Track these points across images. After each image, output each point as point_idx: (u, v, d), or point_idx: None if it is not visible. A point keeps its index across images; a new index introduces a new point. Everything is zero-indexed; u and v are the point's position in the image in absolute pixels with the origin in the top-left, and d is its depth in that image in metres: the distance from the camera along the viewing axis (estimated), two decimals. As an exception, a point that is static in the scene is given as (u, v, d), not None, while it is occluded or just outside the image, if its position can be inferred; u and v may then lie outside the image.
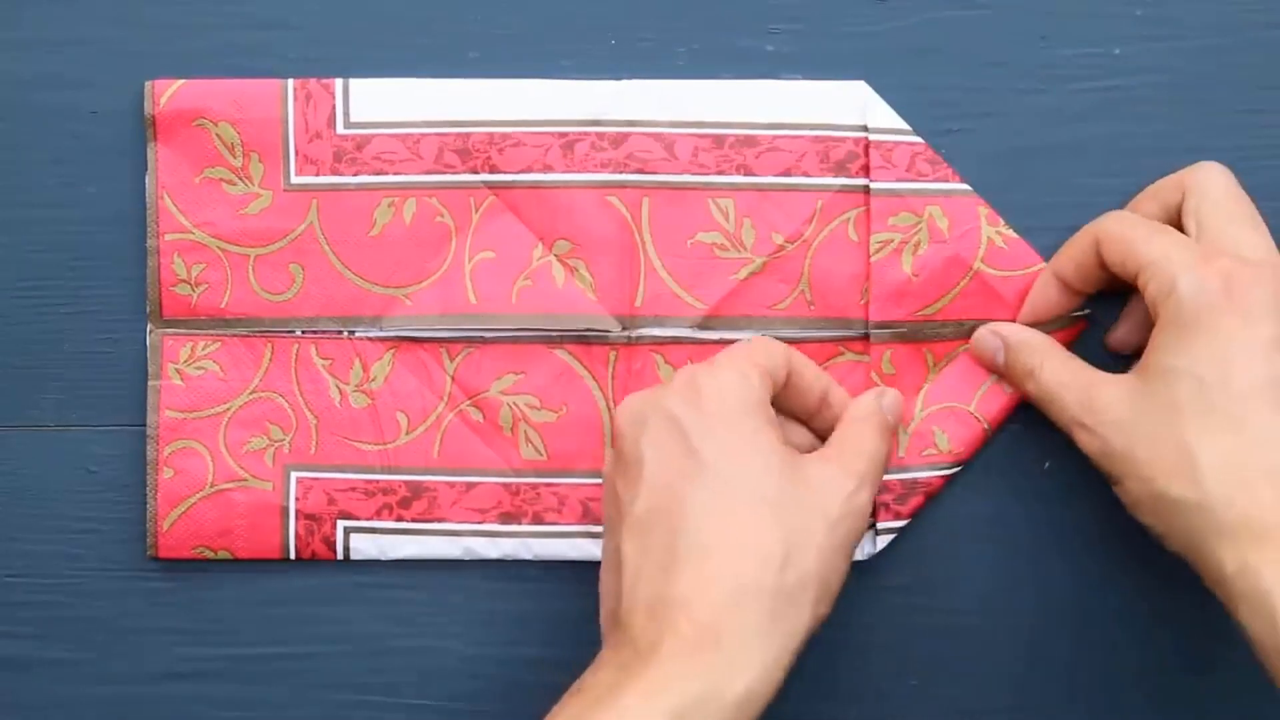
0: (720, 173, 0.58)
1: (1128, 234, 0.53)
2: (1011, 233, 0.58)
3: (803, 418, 0.56)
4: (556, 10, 0.59)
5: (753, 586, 0.48)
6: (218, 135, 0.57)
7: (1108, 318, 0.59)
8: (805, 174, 0.58)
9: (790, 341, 0.58)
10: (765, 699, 0.48)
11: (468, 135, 0.58)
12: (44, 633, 0.58)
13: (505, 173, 0.58)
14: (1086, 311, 0.58)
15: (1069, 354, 0.56)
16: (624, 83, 0.58)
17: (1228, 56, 0.59)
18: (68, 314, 0.58)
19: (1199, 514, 0.50)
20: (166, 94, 0.56)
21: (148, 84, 0.55)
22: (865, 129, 0.58)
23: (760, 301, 0.58)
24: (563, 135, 0.58)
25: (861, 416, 0.55)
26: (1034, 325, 0.58)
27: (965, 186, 0.58)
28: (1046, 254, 0.58)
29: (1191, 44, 0.59)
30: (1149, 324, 0.53)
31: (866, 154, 0.58)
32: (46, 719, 0.58)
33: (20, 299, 0.58)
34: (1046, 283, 0.57)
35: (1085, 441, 0.54)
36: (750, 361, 0.53)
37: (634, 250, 0.58)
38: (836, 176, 0.58)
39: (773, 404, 0.53)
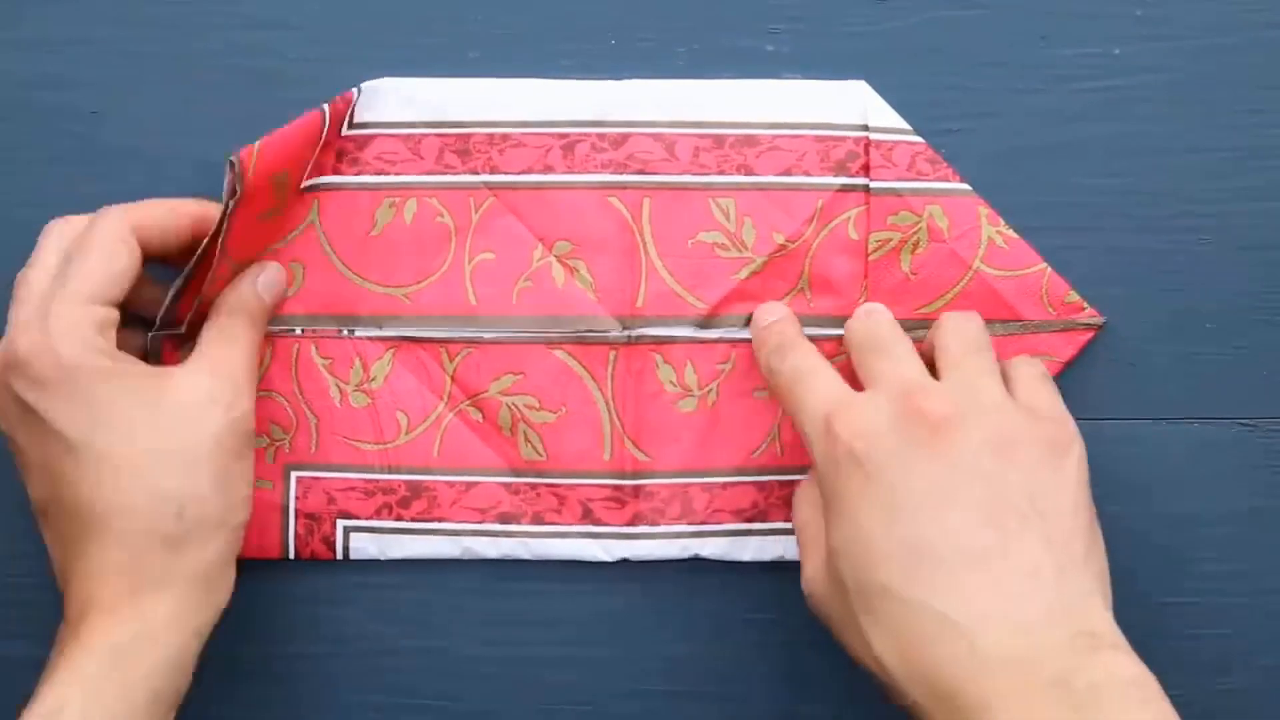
0: (721, 172, 0.58)
1: (803, 365, 0.54)
2: (1011, 233, 0.58)
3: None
4: (556, 10, 0.59)
5: (147, 543, 0.50)
6: (278, 182, 0.57)
7: (1115, 331, 0.59)
8: (806, 173, 0.58)
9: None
10: (206, 622, 0.52)
11: (468, 136, 0.58)
12: (44, 633, 0.58)
13: (505, 173, 0.58)
14: (1101, 320, 0.58)
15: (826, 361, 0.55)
16: (624, 83, 0.58)
17: (1228, 56, 0.59)
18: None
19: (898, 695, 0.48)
20: (252, 161, 0.54)
21: (235, 157, 0.54)
22: (865, 128, 0.58)
23: (761, 300, 0.58)
24: (563, 136, 0.58)
25: (233, 308, 0.55)
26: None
27: (965, 186, 0.58)
28: (1046, 254, 0.58)
29: (1191, 44, 0.59)
30: None
31: (867, 153, 0.58)
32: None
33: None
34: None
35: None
36: (70, 300, 0.52)
37: (635, 250, 0.58)
38: (837, 176, 0.58)
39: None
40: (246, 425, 0.53)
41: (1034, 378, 0.54)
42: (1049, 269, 0.58)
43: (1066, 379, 0.59)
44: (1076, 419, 0.57)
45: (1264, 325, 0.59)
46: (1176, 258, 0.59)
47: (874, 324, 0.54)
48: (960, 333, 0.54)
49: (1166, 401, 0.59)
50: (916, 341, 0.54)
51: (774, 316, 0.57)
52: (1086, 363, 0.59)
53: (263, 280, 0.57)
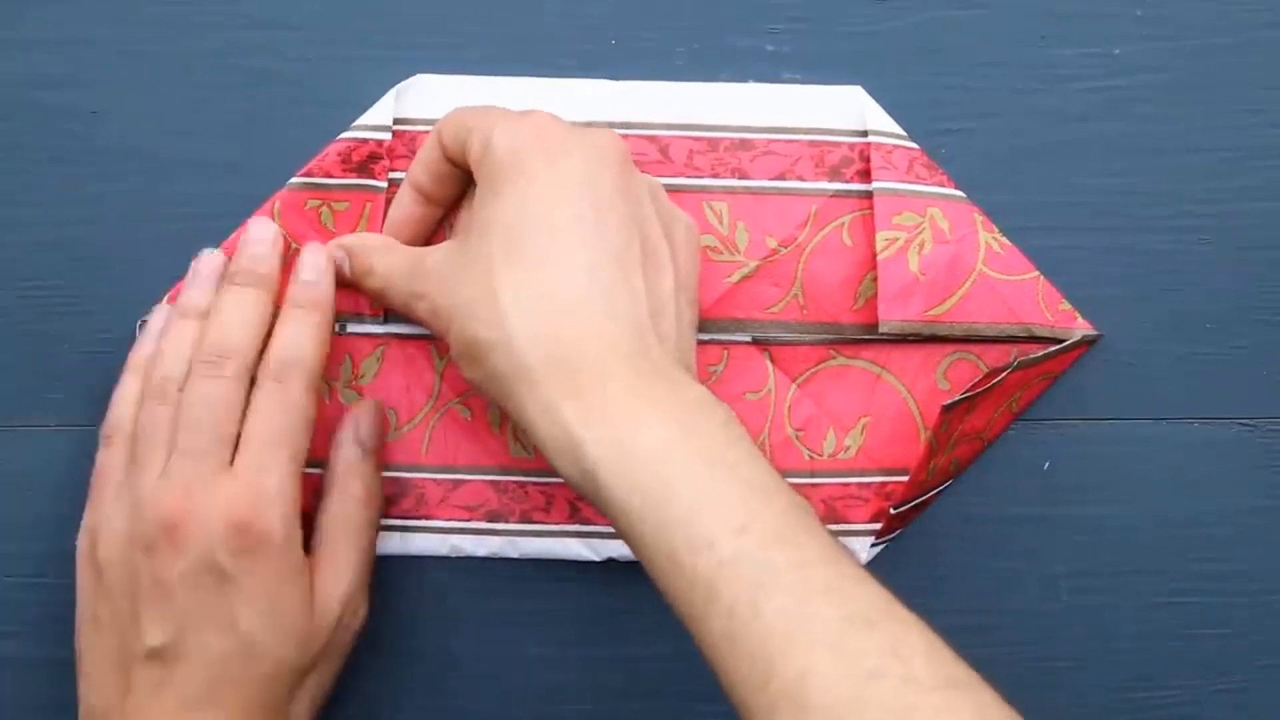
0: (715, 176, 0.58)
1: (460, 113, 0.54)
2: (1006, 240, 0.58)
3: None
4: (556, 10, 0.59)
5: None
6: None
7: (1115, 331, 0.59)
8: (800, 178, 0.58)
9: (782, 344, 0.58)
10: None
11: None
12: (44, 633, 0.58)
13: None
14: (1096, 333, 0.58)
15: (405, 246, 0.56)
16: (619, 84, 0.58)
17: (1228, 56, 0.59)
18: (68, 314, 0.58)
19: (506, 356, 0.49)
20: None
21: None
22: (861, 133, 0.58)
23: (753, 305, 0.58)
24: None
25: (346, 472, 0.56)
26: (430, 197, 0.57)
27: (960, 193, 0.58)
28: (1046, 254, 0.58)
29: (1191, 44, 0.59)
30: None
31: (862, 158, 0.58)
32: (46, 719, 0.58)
33: (20, 299, 0.58)
34: (403, 194, 0.57)
35: (419, 310, 0.54)
36: (291, 468, 0.53)
37: (631, 252, 0.58)
38: (831, 181, 0.58)
39: None
40: (358, 623, 0.55)
41: None
42: (1042, 277, 0.58)
43: (1065, 378, 0.59)
44: (1076, 419, 0.57)
45: (1264, 325, 0.59)
46: (1176, 258, 0.59)
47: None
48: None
49: (1166, 401, 0.59)
50: None
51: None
52: (1086, 363, 0.59)
53: (363, 430, 0.57)
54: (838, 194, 0.58)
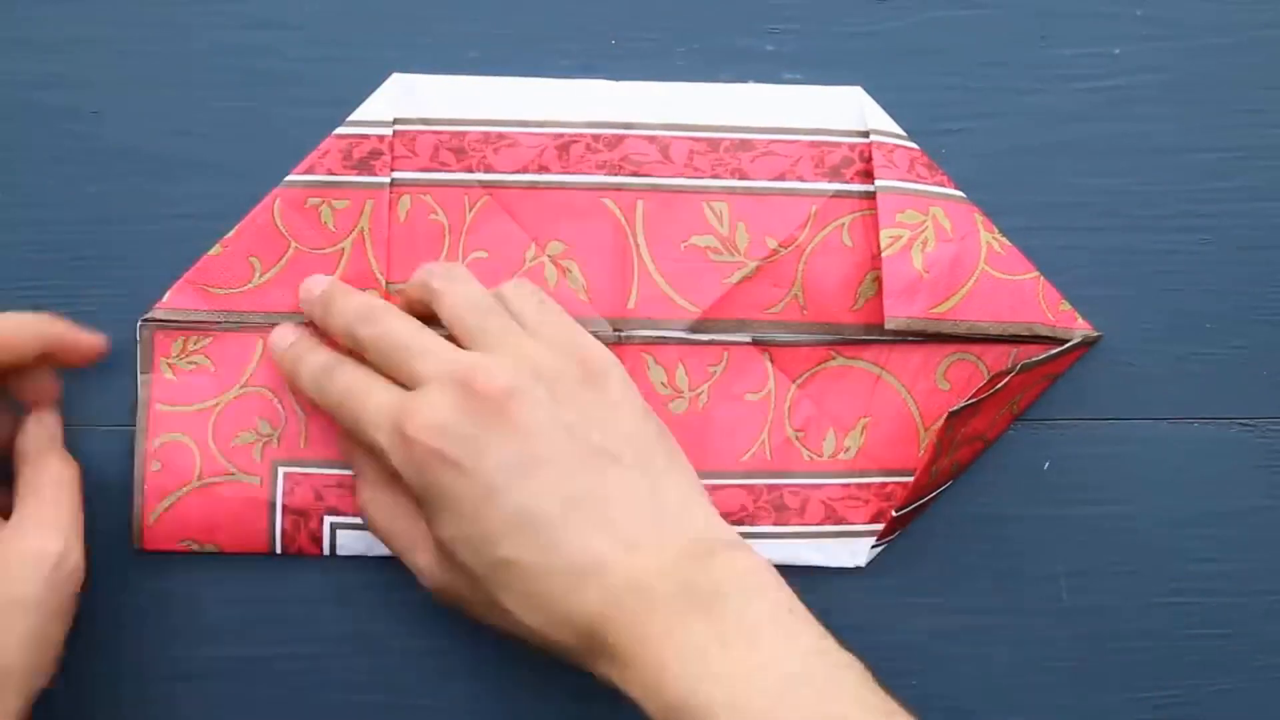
0: (715, 176, 0.58)
1: (355, 383, 0.53)
2: (1006, 240, 0.58)
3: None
4: (556, 10, 0.59)
5: None
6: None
7: (1115, 331, 0.59)
8: (800, 178, 0.58)
9: (782, 345, 0.58)
10: None
11: (463, 134, 0.58)
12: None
13: (500, 172, 0.58)
14: (1098, 335, 0.58)
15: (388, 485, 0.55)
16: (620, 84, 0.58)
17: (1228, 56, 0.59)
18: (68, 314, 0.58)
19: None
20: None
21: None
22: (861, 134, 0.58)
23: (753, 305, 0.58)
24: (558, 136, 0.58)
25: (41, 449, 0.55)
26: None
27: (960, 193, 0.58)
28: (1046, 254, 0.58)
29: (1191, 44, 0.59)
30: None
31: (862, 159, 0.58)
32: (45, 719, 0.58)
33: (20, 299, 0.58)
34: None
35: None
36: None
37: (627, 252, 0.58)
38: (831, 182, 0.58)
39: None
40: (72, 584, 0.52)
41: (541, 311, 0.54)
42: (1042, 278, 0.58)
43: (1065, 378, 0.59)
44: (1076, 419, 0.57)
45: (1264, 325, 0.59)
46: (1176, 258, 0.59)
47: (386, 330, 0.54)
48: (466, 298, 0.54)
49: (1166, 401, 0.59)
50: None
51: (292, 337, 0.56)
52: (1086, 363, 0.59)
53: (48, 418, 0.56)
54: (838, 194, 0.58)
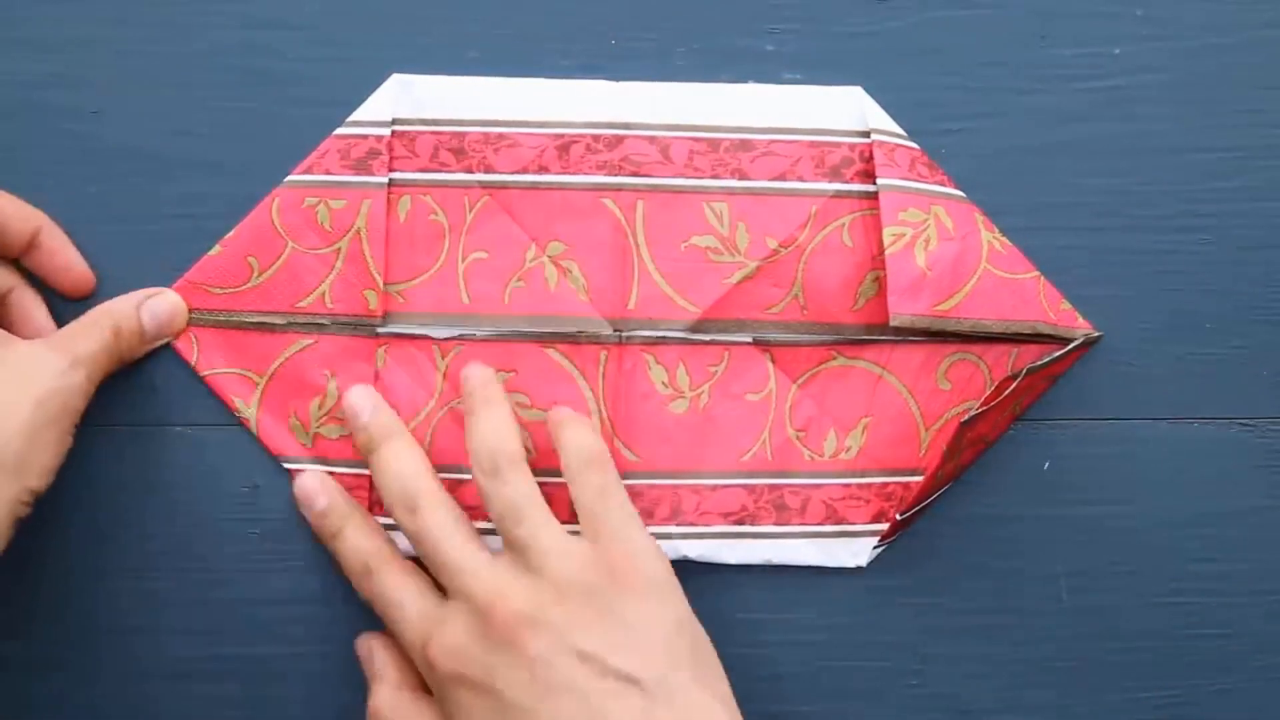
0: (715, 176, 0.58)
1: (389, 593, 0.54)
2: (1006, 240, 0.58)
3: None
4: (556, 10, 0.59)
5: None
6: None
7: (1115, 331, 0.59)
8: (800, 178, 0.58)
9: (783, 345, 0.58)
10: None
11: (463, 135, 0.58)
12: (43, 633, 0.58)
13: (500, 173, 0.58)
14: (1099, 334, 0.58)
15: (410, 694, 0.55)
16: (620, 85, 0.58)
17: (1228, 56, 0.59)
18: (68, 314, 0.58)
19: None
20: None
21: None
22: (861, 134, 0.58)
23: (753, 305, 0.58)
24: (558, 137, 0.58)
25: (106, 313, 0.56)
26: None
27: (960, 193, 0.58)
28: (1046, 254, 0.58)
29: (1191, 44, 0.59)
30: None
31: (862, 159, 0.58)
32: (46, 719, 0.58)
33: (20, 299, 0.58)
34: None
35: None
36: None
37: (627, 253, 0.58)
38: (831, 182, 0.58)
39: None
40: (71, 398, 0.53)
41: (597, 502, 0.54)
42: (1042, 277, 0.58)
43: (1065, 379, 0.59)
44: (1076, 419, 0.57)
45: (1264, 325, 0.59)
46: (1176, 258, 0.59)
47: (426, 530, 0.54)
48: (511, 499, 0.54)
49: (1166, 401, 0.59)
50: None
51: (324, 500, 0.57)
52: (1086, 363, 0.59)
53: (150, 305, 0.57)
54: (838, 194, 0.58)
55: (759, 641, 0.59)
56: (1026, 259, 0.58)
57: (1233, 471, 0.59)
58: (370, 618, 0.56)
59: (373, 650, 0.56)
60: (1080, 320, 0.58)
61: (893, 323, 0.56)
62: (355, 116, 0.58)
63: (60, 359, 0.53)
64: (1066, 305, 0.58)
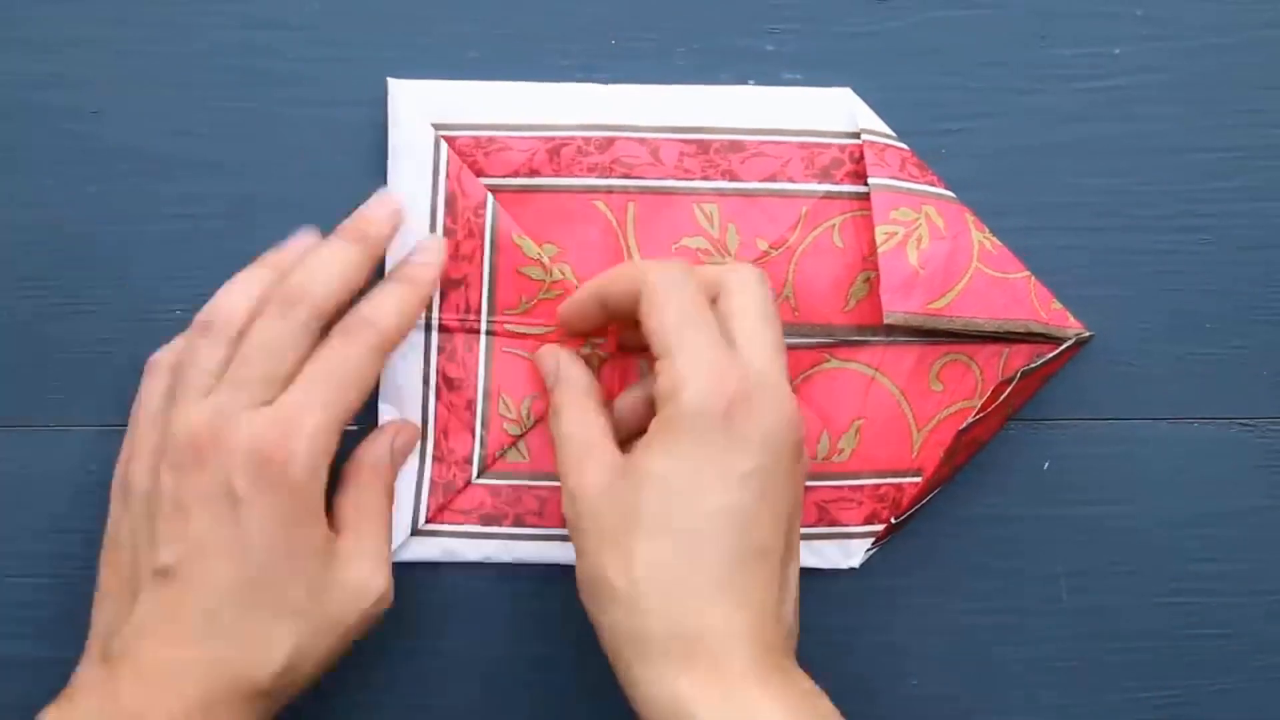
0: (705, 178, 0.58)
1: (667, 311, 0.51)
2: (995, 239, 0.58)
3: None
4: (556, 10, 0.59)
5: (232, 692, 0.50)
6: None
7: (1115, 331, 0.59)
8: (790, 180, 0.58)
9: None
10: None
11: (454, 139, 0.58)
12: (44, 633, 0.58)
13: (491, 176, 0.58)
14: (1090, 334, 0.58)
15: (601, 407, 0.55)
16: (610, 87, 0.58)
17: (1228, 56, 0.59)
18: (68, 314, 0.58)
19: (628, 614, 0.49)
20: None
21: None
22: (850, 135, 0.58)
23: None
24: (549, 140, 0.58)
25: (374, 472, 0.56)
26: (571, 332, 0.58)
27: (950, 193, 0.58)
28: (1046, 254, 0.58)
29: (1191, 44, 0.59)
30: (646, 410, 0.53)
31: (852, 160, 0.58)
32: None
33: (20, 299, 0.58)
34: (586, 294, 0.56)
35: (564, 505, 0.52)
36: (332, 426, 0.52)
37: (619, 255, 0.58)
38: (821, 183, 0.58)
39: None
40: (378, 621, 0.54)
41: (755, 326, 0.52)
42: (1032, 277, 0.58)
43: (1065, 379, 0.59)
44: (1076, 419, 0.57)
45: (1264, 325, 0.59)
46: (1176, 258, 0.59)
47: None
48: (679, 306, 0.52)
49: (1166, 401, 0.59)
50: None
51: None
52: (1086, 363, 0.59)
53: (399, 442, 0.57)
54: (828, 195, 0.58)
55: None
56: (1017, 259, 0.58)
57: (1233, 471, 0.59)
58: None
59: (559, 360, 0.56)
60: (1072, 320, 0.58)
61: (886, 320, 0.56)
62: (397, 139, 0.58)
63: (380, 573, 0.53)
64: (1058, 305, 0.58)
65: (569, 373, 0.55)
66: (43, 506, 0.58)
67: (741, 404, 0.49)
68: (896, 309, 0.56)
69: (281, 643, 0.50)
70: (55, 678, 0.56)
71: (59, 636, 0.58)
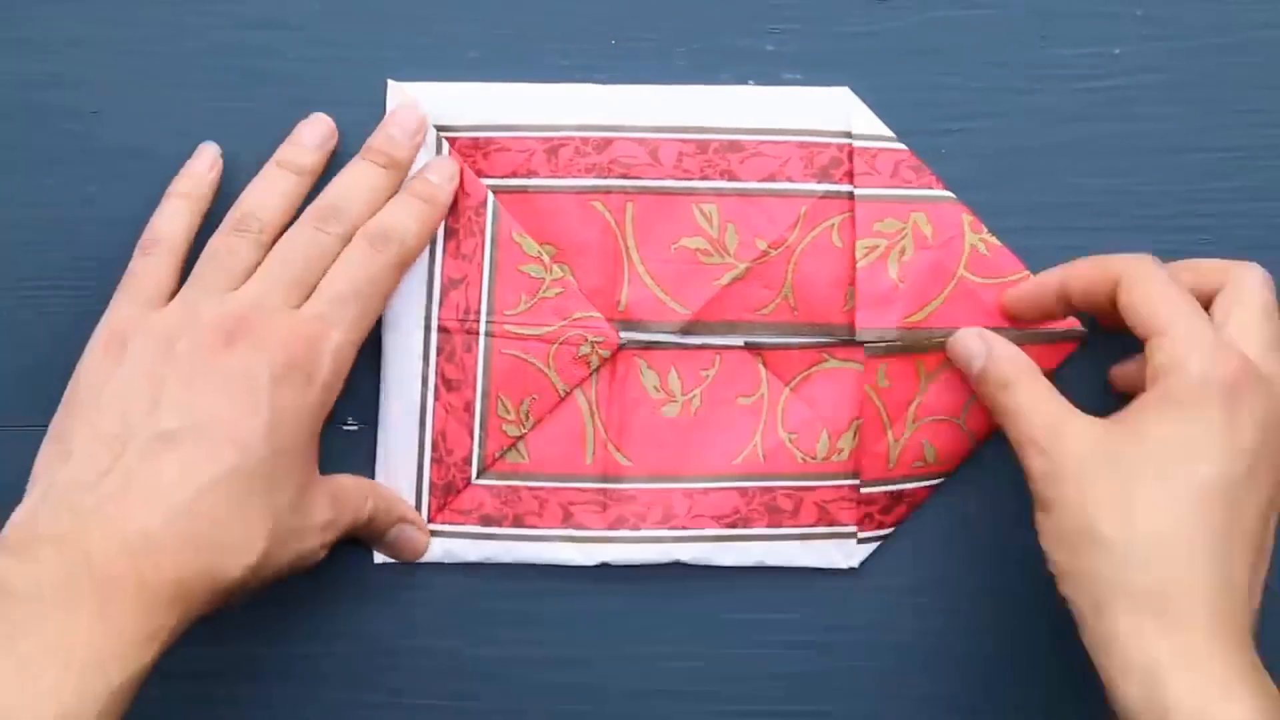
0: (704, 178, 0.58)
1: (1156, 293, 0.52)
2: (995, 240, 0.58)
3: None
4: (556, 10, 0.59)
5: (204, 577, 0.50)
6: None
7: (1117, 335, 0.59)
8: (789, 179, 0.58)
9: (773, 347, 0.58)
10: None
11: (453, 140, 0.58)
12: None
13: (490, 177, 0.58)
14: (1083, 331, 0.58)
15: (1047, 381, 0.55)
16: (609, 87, 0.58)
17: (1228, 56, 0.59)
18: (68, 314, 0.58)
19: (1117, 566, 0.49)
20: None
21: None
22: (848, 135, 0.58)
23: (743, 307, 0.58)
24: (547, 140, 0.58)
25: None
26: (1019, 319, 0.58)
27: (949, 194, 0.58)
28: (1046, 254, 0.58)
29: (1191, 44, 0.59)
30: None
31: (850, 160, 0.58)
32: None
33: (20, 299, 0.58)
34: (1046, 284, 0.57)
35: (1036, 462, 0.52)
36: (353, 344, 0.55)
37: (618, 255, 0.58)
38: (820, 182, 0.58)
39: None
40: (318, 557, 0.55)
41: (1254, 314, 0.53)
42: (1032, 277, 0.58)
43: (1064, 379, 0.59)
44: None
45: (1264, 325, 0.59)
46: (1176, 258, 0.59)
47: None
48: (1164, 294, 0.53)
49: (1167, 402, 0.59)
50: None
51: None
52: (1085, 363, 0.59)
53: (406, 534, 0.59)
54: (827, 195, 0.58)
55: (758, 642, 0.59)
56: (1017, 259, 0.58)
57: (1233, 472, 0.59)
58: (367, 622, 0.56)
59: (989, 339, 0.56)
60: (1068, 318, 0.58)
61: (859, 336, 0.56)
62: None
63: (337, 516, 0.55)
64: None
65: (1005, 350, 0.56)
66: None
67: (1246, 384, 0.50)
68: (870, 325, 0.57)
69: (257, 541, 0.51)
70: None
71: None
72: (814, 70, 0.59)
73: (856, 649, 0.59)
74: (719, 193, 0.58)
